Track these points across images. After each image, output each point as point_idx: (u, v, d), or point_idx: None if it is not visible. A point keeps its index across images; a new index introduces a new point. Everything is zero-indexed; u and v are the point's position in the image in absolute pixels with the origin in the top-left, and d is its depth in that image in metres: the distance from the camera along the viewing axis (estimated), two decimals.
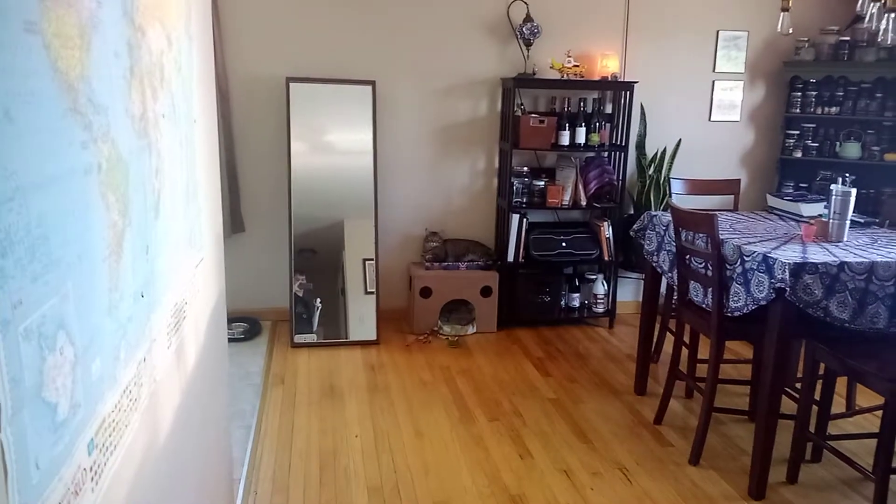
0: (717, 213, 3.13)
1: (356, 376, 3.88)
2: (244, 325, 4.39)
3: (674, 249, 3.34)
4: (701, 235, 3.12)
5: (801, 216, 3.51)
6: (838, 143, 4.77)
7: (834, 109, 4.74)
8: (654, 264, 3.56)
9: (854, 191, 3.01)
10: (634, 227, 3.74)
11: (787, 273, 2.62)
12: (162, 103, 1.54)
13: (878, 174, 4.60)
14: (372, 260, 4.40)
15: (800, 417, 2.98)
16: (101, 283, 0.97)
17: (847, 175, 3.12)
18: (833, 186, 3.04)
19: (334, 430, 3.28)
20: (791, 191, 4.88)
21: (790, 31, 3.37)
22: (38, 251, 0.75)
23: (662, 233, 3.48)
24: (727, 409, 3.45)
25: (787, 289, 2.62)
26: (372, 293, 4.40)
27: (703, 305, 3.17)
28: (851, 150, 4.71)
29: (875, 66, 4.57)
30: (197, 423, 1.81)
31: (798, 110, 4.83)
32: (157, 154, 1.40)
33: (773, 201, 3.75)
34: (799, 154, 4.85)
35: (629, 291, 5.09)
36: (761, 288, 2.75)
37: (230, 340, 4.21)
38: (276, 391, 3.67)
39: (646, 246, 3.62)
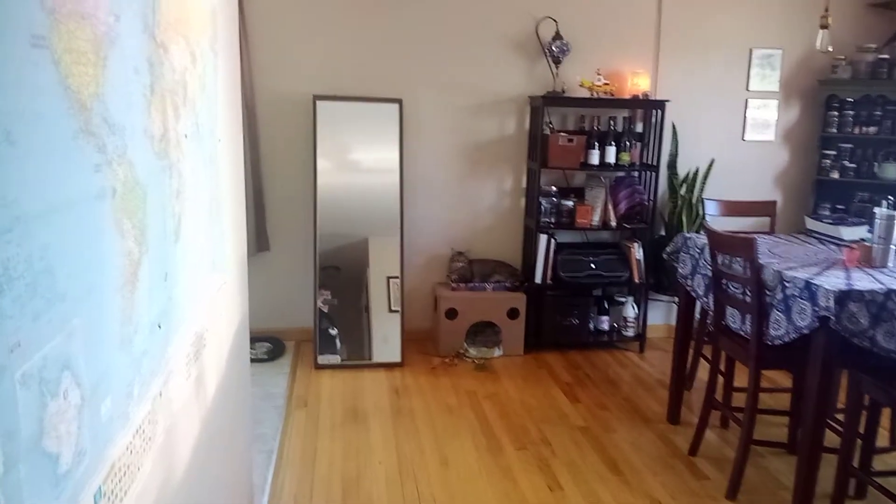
0: (754, 236, 3.01)
1: (380, 399, 3.80)
2: (268, 345, 4.33)
3: (709, 273, 3.22)
4: (738, 259, 3.01)
5: (842, 240, 3.38)
6: (877, 164, 4.63)
7: (872, 129, 4.61)
8: (688, 288, 3.44)
9: None
10: (668, 249, 3.63)
11: (831, 301, 2.50)
12: (185, 122, 1.48)
13: None
14: (397, 278, 4.33)
15: (843, 451, 2.83)
16: (113, 316, 0.90)
17: (890, 197, 2.99)
18: (877, 210, 2.92)
19: (358, 456, 3.20)
20: (828, 212, 4.74)
21: (830, 48, 3.26)
22: (41, 286, 0.68)
23: (697, 256, 3.36)
24: (765, 442, 3.30)
25: (832, 317, 2.50)
26: (396, 312, 4.33)
27: (741, 332, 3.05)
28: (891, 170, 4.57)
29: None
30: (218, 454, 1.74)
31: (835, 130, 4.70)
32: (178, 175, 1.34)
33: (811, 224, 3.62)
34: (836, 175, 4.71)
35: (660, 315, 4.96)
36: (804, 316, 2.63)
37: (253, 361, 4.15)
38: (299, 414, 3.60)
39: (679, 269, 3.51)
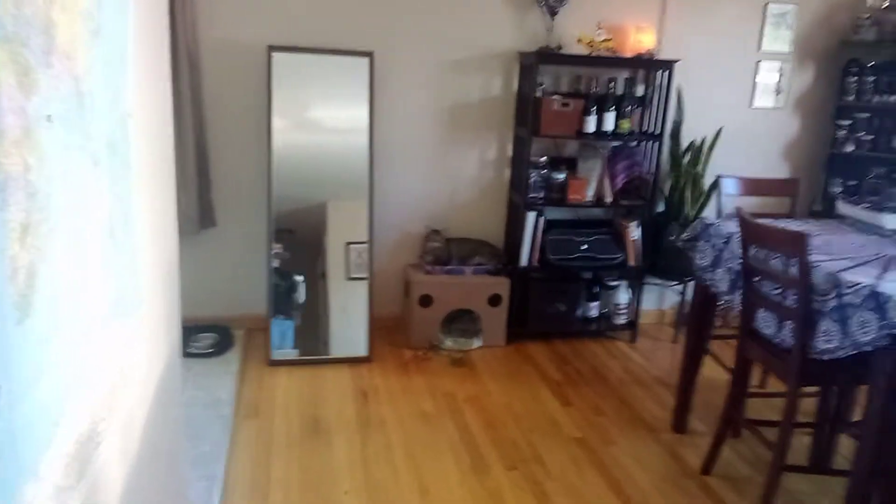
0: (804, 230, 2.53)
1: (345, 406, 3.27)
2: (213, 336, 3.75)
3: (736, 268, 2.74)
4: (778, 255, 2.52)
5: (884, 229, 2.92)
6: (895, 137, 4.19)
7: (894, 98, 4.15)
8: (706, 282, 2.96)
9: None
10: (684, 236, 3.13)
11: None
12: (47, 96, 0.90)
13: None
14: (358, 244, 3.75)
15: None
16: None
17: None
18: None
19: (319, 483, 2.67)
20: (840, 189, 4.31)
21: (885, 3, 2.75)
22: None
23: (721, 246, 2.87)
24: (795, 468, 2.85)
25: None
26: (355, 280, 3.76)
27: (775, 340, 2.58)
28: None
29: None
30: None
31: (853, 98, 4.23)
32: (23, 198, 0.77)
33: (845, 208, 3.16)
34: (851, 148, 4.26)
35: (652, 300, 4.50)
36: (867, 330, 2.16)
37: (195, 356, 3.58)
38: (249, 426, 3.05)
39: (697, 260, 3.01)
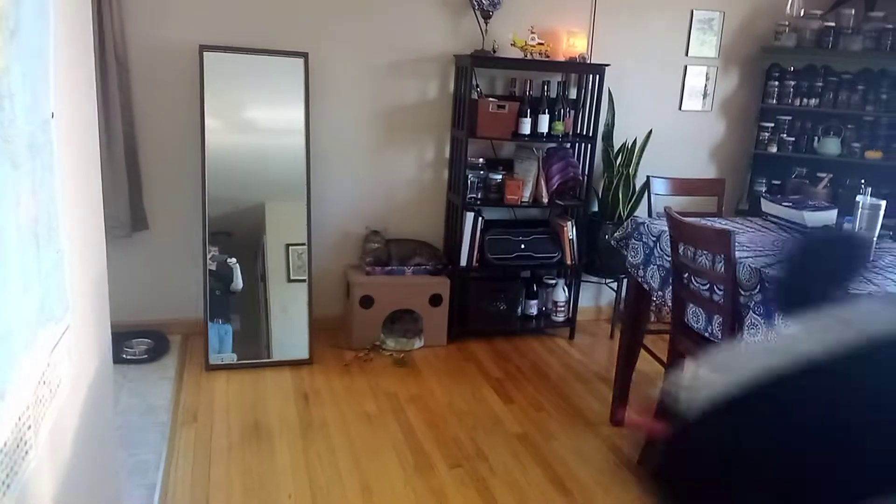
0: (729, 228, 2.64)
1: (286, 409, 3.24)
2: (148, 342, 3.67)
3: (667, 265, 2.84)
4: (705, 252, 2.63)
5: (806, 227, 3.07)
6: (816, 139, 4.40)
7: (813, 101, 4.36)
8: (639, 279, 3.06)
9: (884, 203, 2.57)
10: (616, 234, 3.23)
11: None
12: None
13: (858, 173, 4.23)
14: (297, 245, 3.75)
15: None
16: None
17: (863, 181, 2.71)
18: (859, 197, 2.60)
19: (262, 488, 2.65)
20: (764, 188, 4.50)
21: (801, 13, 2.90)
22: None
23: (652, 244, 2.97)
24: None
25: None
26: (296, 281, 3.75)
27: (706, 333, 2.69)
28: (830, 146, 4.34)
29: (861, 55, 4.19)
30: None
31: (774, 101, 4.42)
32: None
33: (769, 207, 3.30)
34: (774, 149, 4.45)
35: (589, 297, 4.61)
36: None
37: (130, 362, 3.50)
38: (188, 432, 3.00)
39: (629, 258, 3.11)
